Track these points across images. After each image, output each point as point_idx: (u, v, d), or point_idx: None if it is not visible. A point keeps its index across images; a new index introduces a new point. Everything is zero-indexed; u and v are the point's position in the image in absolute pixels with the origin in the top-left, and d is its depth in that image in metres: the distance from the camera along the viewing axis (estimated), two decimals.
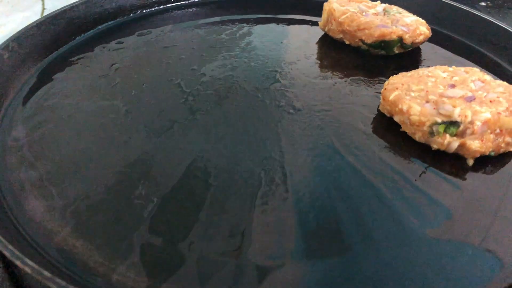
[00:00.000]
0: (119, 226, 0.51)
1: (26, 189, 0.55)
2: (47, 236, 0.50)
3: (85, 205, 0.53)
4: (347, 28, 0.80)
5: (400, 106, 0.62)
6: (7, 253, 0.43)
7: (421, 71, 0.69)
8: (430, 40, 0.82)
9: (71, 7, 0.85)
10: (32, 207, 0.53)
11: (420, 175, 0.58)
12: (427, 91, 0.63)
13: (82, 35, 0.87)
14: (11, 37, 0.74)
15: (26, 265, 0.42)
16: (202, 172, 0.58)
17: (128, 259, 0.47)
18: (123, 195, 0.54)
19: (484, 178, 0.58)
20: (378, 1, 0.87)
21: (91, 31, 0.88)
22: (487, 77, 0.67)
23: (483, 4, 1.21)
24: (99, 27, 0.90)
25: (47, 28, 0.81)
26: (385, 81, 0.69)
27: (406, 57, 0.81)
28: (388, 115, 0.66)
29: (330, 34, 0.85)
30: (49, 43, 0.81)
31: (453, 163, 0.60)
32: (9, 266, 0.52)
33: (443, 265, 0.47)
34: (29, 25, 0.78)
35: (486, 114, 0.58)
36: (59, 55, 0.81)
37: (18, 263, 0.42)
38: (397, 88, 0.64)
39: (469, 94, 0.62)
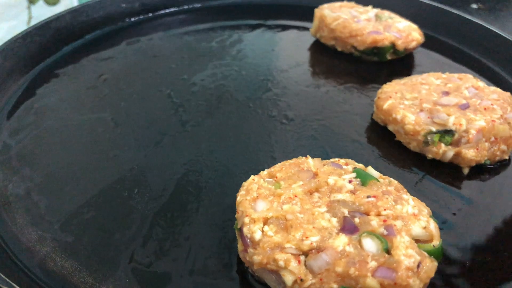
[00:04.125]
0: (108, 243, 0.49)
1: (12, 204, 0.54)
2: (32, 253, 0.48)
3: (73, 222, 0.52)
4: (339, 34, 0.79)
5: (394, 115, 0.61)
6: None
7: (414, 78, 0.68)
8: (423, 45, 0.82)
9: (57, 17, 0.83)
10: (18, 223, 0.52)
11: (416, 184, 0.58)
12: (421, 99, 0.62)
13: (69, 45, 0.85)
14: None
15: None
16: (193, 187, 0.56)
17: (117, 278, 0.46)
18: (112, 212, 0.53)
19: (480, 186, 0.58)
20: (370, 6, 0.86)
21: (79, 41, 0.87)
22: (481, 83, 0.66)
23: (474, 6, 1.21)
24: (87, 36, 0.88)
25: (33, 39, 0.79)
26: (378, 88, 0.68)
27: (399, 63, 0.81)
28: (382, 124, 0.65)
29: (322, 40, 0.84)
30: (35, 54, 0.79)
31: (449, 172, 0.59)
32: None
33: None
34: (14, 36, 0.76)
35: (480, 122, 0.58)
36: (46, 66, 0.79)
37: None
38: (390, 97, 0.63)
39: (463, 101, 0.62)
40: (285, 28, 0.93)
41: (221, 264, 0.48)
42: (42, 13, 1.12)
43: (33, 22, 1.11)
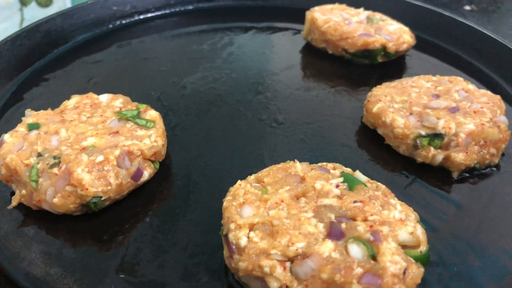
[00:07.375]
0: (95, 251, 0.49)
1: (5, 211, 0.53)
2: (17, 260, 0.48)
3: (59, 227, 0.51)
4: (330, 37, 0.78)
5: (383, 119, 0.61)
6: None
7: (404, 81, 0.67)
8: (414, 47, 0.82)
9: (47, 20, 0.83)
10: (3, 229, 0.51)
11: (405, 188, 0.57)
12: (410, 102, 0.62)
13: (59, 48, 0.84)
14: None
15: None
16: (181, 191, 0.56)
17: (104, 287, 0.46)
18: (99, 217, 0.52)
19: (470, 190, 0.57)
20: (362, 8, 0.86)
21: (68, 44, 0.86)
22: (471, 86, 0.66)
23: (468, 8, 1.21)
24: (77, 39, 0.87)
25: (23, 42, 0.78)
26: (369, 91, 0.68)
27: (390, 66, 0.80)
28: (372, 128, 0.65)
29: (313, 43, 0.84)
30: (25, 58, 0.78)
31: (438, 176, 0.59)
32: None
33: None
34: (3, 40, 0.75)
35: (470, 125, 0.57)
36: (35, 70, 0.78)
37: None
38: (380, 100, 0.63)
39: (453, 104, 0.61)
40: (276, 30, 0.93)
41: (209, 270, 0.47)
42: (35, 15, 1.11)
43: (26, 24, 1.10)
